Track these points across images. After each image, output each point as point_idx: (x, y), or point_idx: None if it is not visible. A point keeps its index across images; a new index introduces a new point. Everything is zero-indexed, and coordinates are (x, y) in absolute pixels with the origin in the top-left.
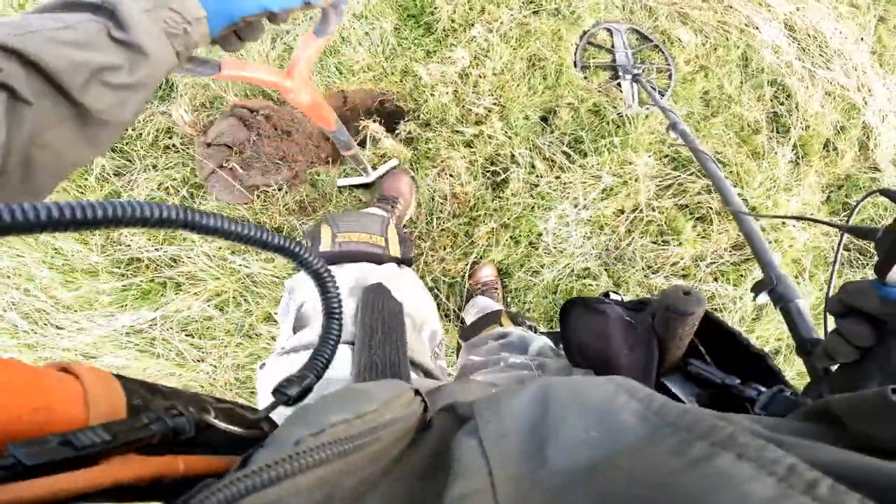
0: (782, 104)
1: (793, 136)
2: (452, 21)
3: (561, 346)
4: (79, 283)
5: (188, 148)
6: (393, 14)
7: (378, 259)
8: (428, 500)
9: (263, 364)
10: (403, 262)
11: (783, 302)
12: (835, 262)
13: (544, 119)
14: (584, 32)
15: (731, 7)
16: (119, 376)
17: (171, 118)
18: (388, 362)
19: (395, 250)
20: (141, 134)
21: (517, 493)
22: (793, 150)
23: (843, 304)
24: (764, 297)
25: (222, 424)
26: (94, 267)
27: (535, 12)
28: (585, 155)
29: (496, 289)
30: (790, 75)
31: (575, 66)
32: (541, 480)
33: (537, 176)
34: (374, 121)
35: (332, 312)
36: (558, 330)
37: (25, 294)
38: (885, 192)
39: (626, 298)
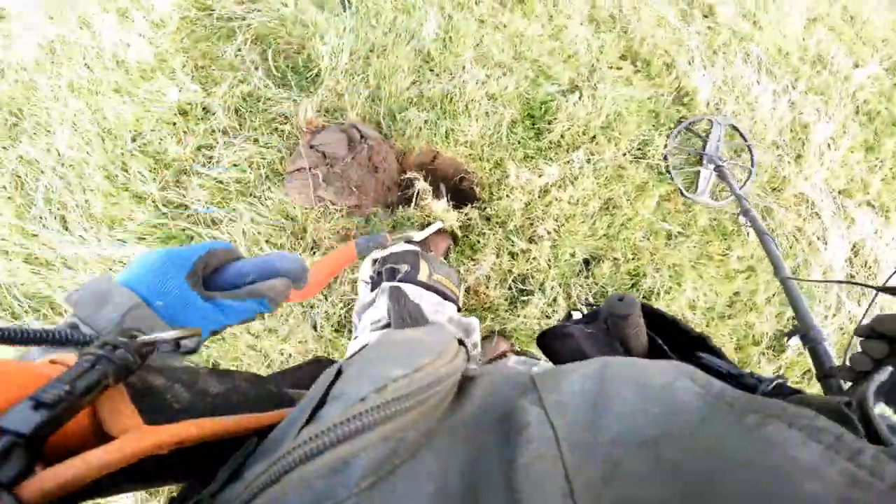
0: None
1: None
2: (562, 137)
3: None
4: (118, 201)
5: (291, 139)
6: (518, 107)
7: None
8: (487, 458)
9: (356, 337)
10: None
11: (812, 343)
12: (864, 314)
13: (587, 262)
14: (685, 119)
15: (816, 215)
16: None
17: (296, 109)
18: None
19: (462, 301)
20: (267, 109)
21: (581, 461)
22: None
23: (872, 329)
24: (795, 340)
25: (155, 335)
26: (144, 194)
27: (637, 159)
28: None
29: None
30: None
31: (666, 149)
32: (602, 450)
33: (553, 311)
34: (440, 192)
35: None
36: None
37: (66, 185)
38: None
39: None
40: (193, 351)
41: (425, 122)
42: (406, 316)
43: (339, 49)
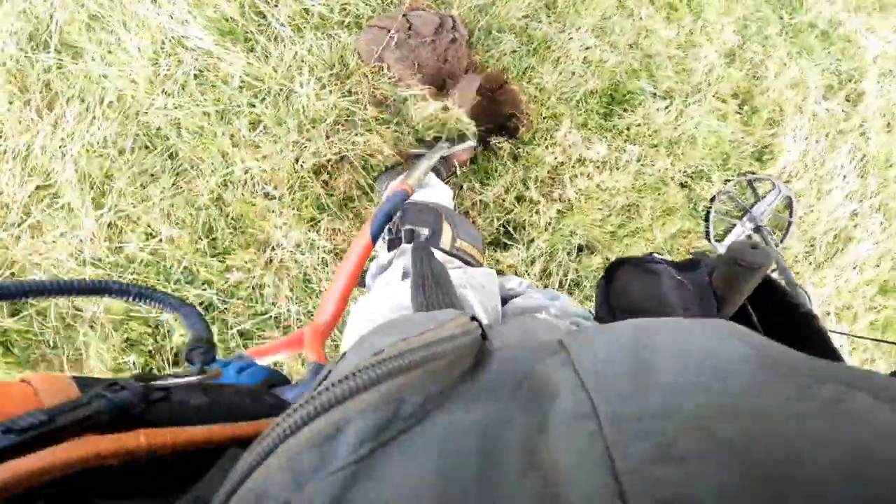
0: None
1: None
2: (628, 129)
3: (594, 309)
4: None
5: (390, 6)
6: (604, 83)
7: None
8: (508, 424)
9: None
10: None
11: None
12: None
13: (580, 248)
14: (752, 173)
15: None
16: (75, 377)
17: None
18: (441, 303)
19: (484, 264)
20: None
21: (624, 437)
22: None
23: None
24: None
25: (172, 381)
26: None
27: (683, 185)
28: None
29: None
30: None
31: (718, 191)
32: (648, 426)
33: (526, 272)
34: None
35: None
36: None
37: None
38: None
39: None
40: (220, 387)
41: (514, 50)
42: (428, 275)
43: None
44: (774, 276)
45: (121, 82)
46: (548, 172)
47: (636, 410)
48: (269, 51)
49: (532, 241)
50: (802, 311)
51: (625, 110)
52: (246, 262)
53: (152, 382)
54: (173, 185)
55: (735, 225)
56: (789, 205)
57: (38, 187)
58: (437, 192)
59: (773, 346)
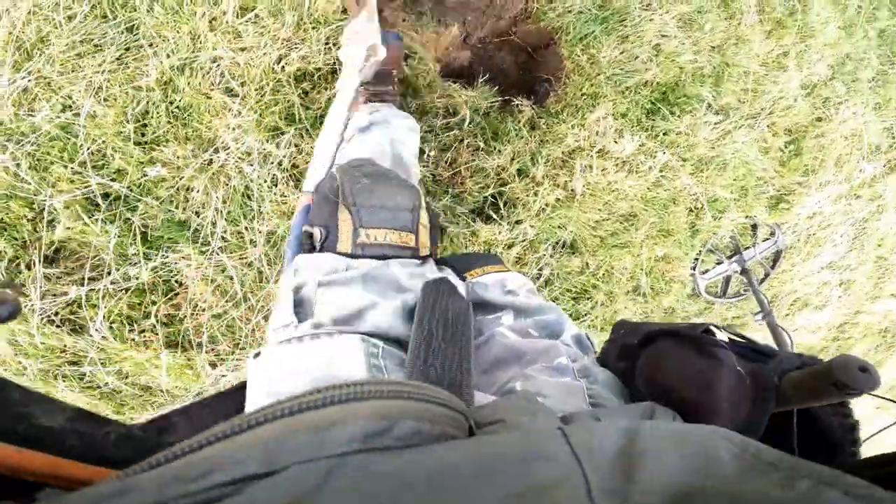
0: None
1: None
2: (665, 133)
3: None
4: None
5: None
6: (665, 77)
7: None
8: (502, 476)
9: (258, 353)
10: (430, 255)
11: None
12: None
13: (564, 244)
14: (755, 217)
15: None
16: None
17: None
18: (448, 379)
19: (423, 244)
20: None
21: (609, 500)
22: None
23: None
24: None
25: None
26: None
27: (693, 209)
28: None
29: None
30: None
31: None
32: (633, 498)
33: (502, 253)
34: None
35: None
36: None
37: None
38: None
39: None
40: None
41: (581, 12)
42: (437, 328)
43: None
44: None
45: None
46: (562, 154)
47: (624, 486)
48: None
49: (519, 222)
50: (844, 409)
51: (672, 113)
52: (177, 158)
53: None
54: (118, 59)
55: (723, 262)
56: (777, 257)
57: None
58: (383, 134)
59: (752, 444)
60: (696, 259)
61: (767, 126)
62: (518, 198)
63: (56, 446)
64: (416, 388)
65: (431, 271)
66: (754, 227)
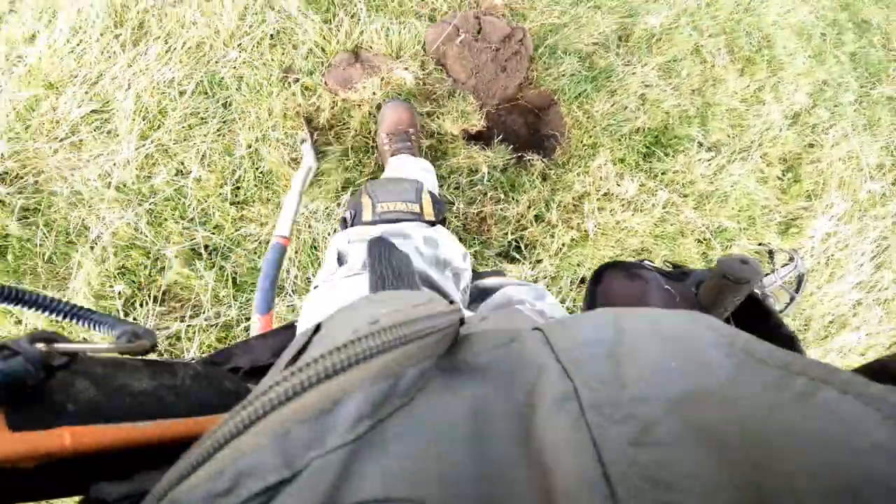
0: None
1: None
2: (663, 173)
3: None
4: None
5: (468, 9)
6: (654, 123)
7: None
8: (495, 405)
9: (317, 286)
10: (437, 222)
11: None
12: None
13: (583, 280)
14: (769, 244)
15: None
16: None
17: None
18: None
19: (428, 213)
20: None
21: (605, 421)
22: None
23: None
24: None
25: (86, 345)
26: None
27: (702, 240)
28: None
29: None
30: None
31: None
32: (627, 409)
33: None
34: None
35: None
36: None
37: None
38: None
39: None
40: (145, 353)
41: (573, 74)
42: (387, 273)
43: None
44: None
45: (206, 31)
46: (572, 199)
47: (614, 395)
48: (342, 24)
49: (540, 261)
50: (784, 332)
51: (666, 154)
52: (261, 216)
53: (55, 345)
54: (217, 131)
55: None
56: (800, 281)
57: (93, 111)
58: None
59: (740, 335)
60: None
61: (760, 157)
62: (537, 240)
63: (158, 408)
64: (415, 315)
65: (436, 232)
66: (770, 253)
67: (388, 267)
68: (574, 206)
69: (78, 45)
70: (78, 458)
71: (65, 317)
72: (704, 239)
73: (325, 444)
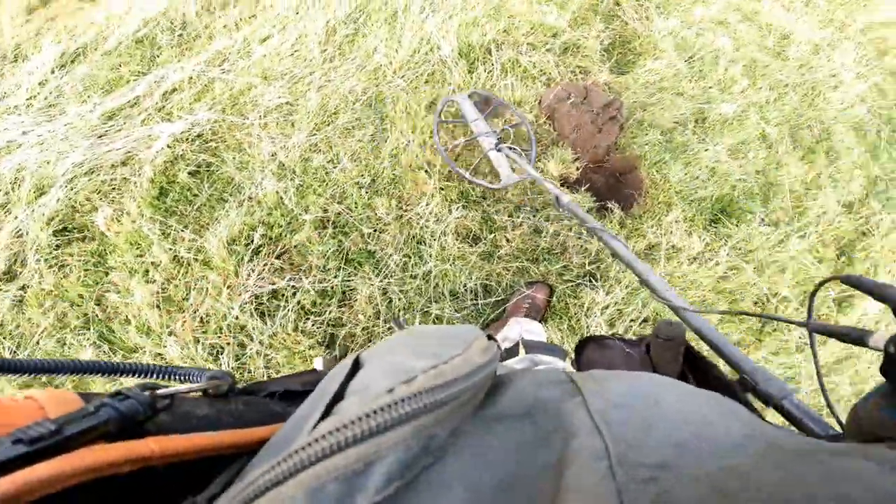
0: None
1: None
2: (727, 239)
3: None
4: None
5: (580, 80)
6: (720, 192)
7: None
8: (525, 461)
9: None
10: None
11: (775, 400)
12: (816, 363)
13: (645, 320)
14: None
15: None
16: (80, 392)
17: (599, 73)
18: None
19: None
20: (582, 55)
21: (630, 479)
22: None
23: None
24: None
25: (182, 386)
26: None
27: (757, 302)
28: None
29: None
30: None
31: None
32: (650, 471)
33: (599, 311)
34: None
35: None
36: None
37: None
38: (846, 280)
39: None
40: (225, 395)
41: (655, 144)
42: None
43: (657, 71)
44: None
45: (384, 59)
46: (644, 247)
47: (641, 457)
48: (480, 76)
49: (610, 291)
50: (715, 373)
51: (731, 222)
52: (386, 209)
53: (157, 391)
54: (371, 136)
55: (487, 155)
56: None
57: (287, 102)
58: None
59: (763, 425)
60: (487, 188)
61: (816, 238)
62: (610, 273)
63: (219, 427)
64: (452, 376)
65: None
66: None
67: None
68: (645, 253)
69: (297, 51)
70: (159, 471)
71: (160, 376)
72: (761, 301)
73: (354, 503)
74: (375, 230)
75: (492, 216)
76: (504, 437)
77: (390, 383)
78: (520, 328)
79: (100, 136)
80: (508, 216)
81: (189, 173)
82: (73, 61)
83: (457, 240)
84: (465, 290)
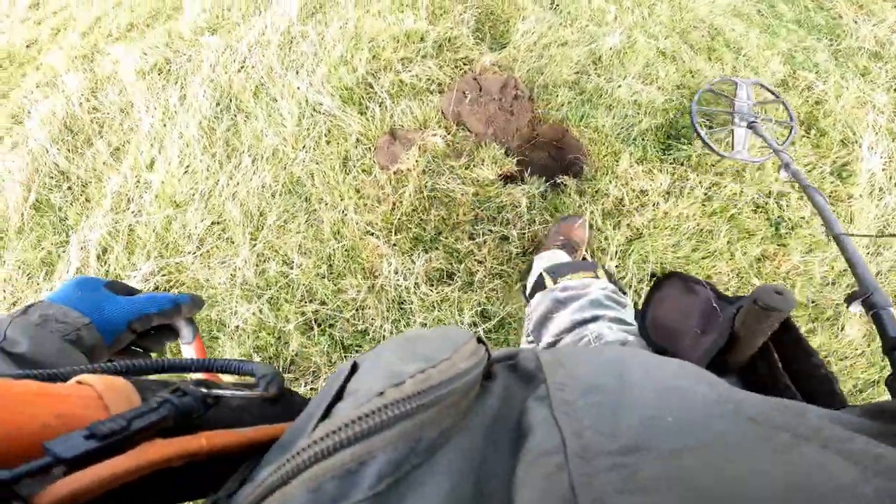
0: None
1: None
2: (689, 158)
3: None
4: (338, 67)
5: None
6: (658, 121)
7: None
8: (496, 461)
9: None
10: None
11: (876, 309)
12: None
13: (653, 275)
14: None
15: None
16: (128, 377)
17: (479, 57)
18: None
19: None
20: (459, 50)
21: (590, 469)
22: None
23: None
24: (857, 307)
25: (230, 391)
26: (354, 70)
27: (758, 208)
28: None
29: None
30: None
31: (690, 115)
32: (615, 458)
33: None
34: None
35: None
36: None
37: (317, 49)
38: None
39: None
40: (275, 400)
41: (569, 101)
42: None
43: (532, 31)
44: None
45: (276, 139)
46: (612, 204)
47: (606, 443)
48: (375, 113)
49: (602, 265)
50: (822, 372)
51: (682, 143)
52: (353, 286)
53: (211, 391)
54: (306, 221)
55: (732, 131)
56: (761, 87)
57: (213, 223)
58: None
59: (734, 393)
60: (701, 138)
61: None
62: (594, 246)
63: (252, 419)
64: (438, 379)
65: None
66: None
67: None
68: (617, 210)
69: (188, 166)
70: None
71: (220, 371)
72: (761, 205)
73: (349, 498)
74: (356, 310)
75: (454, 247)
76: (484, 439)
77: (381, 386)
78: (539, 264)
79: None
80: (470, 239)
81: None
82: None
83: (432, 286)
84: (464, 324)
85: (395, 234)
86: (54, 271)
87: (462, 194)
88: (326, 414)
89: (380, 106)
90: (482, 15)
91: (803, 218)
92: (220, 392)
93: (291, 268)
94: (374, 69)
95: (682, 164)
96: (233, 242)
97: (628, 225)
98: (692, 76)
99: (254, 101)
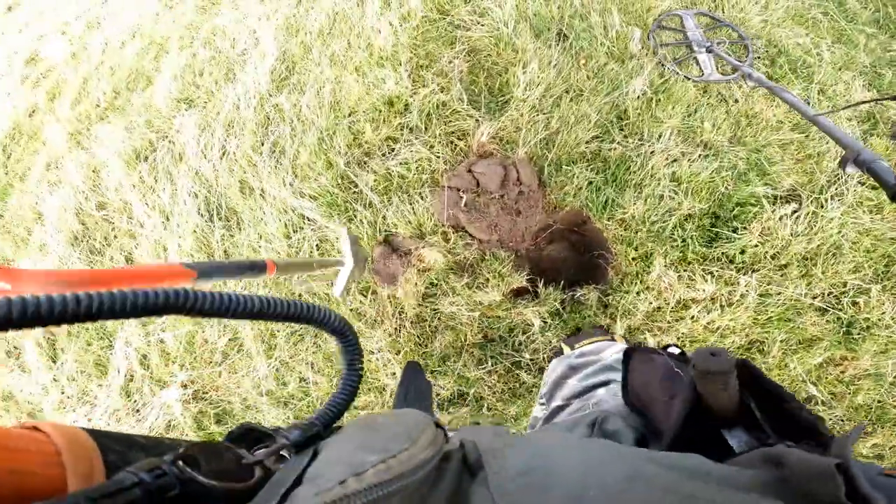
0: None
1: None
2: (741, 252)
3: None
4: (316, 161)
5: (459, 156)
6: (702, 201)
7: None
8: None
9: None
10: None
11: (868, 164)
12: None
13: None
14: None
15: None
16: (89, 431)
17: (475, 130)
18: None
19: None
20: (452, 121)
21: None
22: None
23: None
24: (852, 168)
25: (208, 482)
26: (334, 163)
27: (823, 310)
28: None
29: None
30: None
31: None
32: None
33: None
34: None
35: (352, 365)
36: None
37: (291, 134)
38: None
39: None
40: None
41: (589, 182)
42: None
43: (537, 82)
44: None
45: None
46: (643, 319)
47: None
48: (365, 218)
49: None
50: (804, 416)
51: (734, 230)
52: (357, 405)
53: (190, 474)
54: (314, 343)
55: (696, 59)
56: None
57: (230, 339)
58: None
59: (647, 467)
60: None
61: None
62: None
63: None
64: (399, 470)
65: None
66: (660, 27)
67: (412, 389)
68: (647, 327)
69: None
70: None
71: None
72: (827, 308)
73: None
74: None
75: (463, 374)
76: None
77: (342, 475)
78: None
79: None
80: (478, 366)
81: (216, 422)
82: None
83: (440, 408)
84: None
85: (399, 354)
86: (107, 372)
87: (468, 319)
88: (284, 499)
89: (368, 207)
90: (474, 66)
91: (884, 314)
92: (200, 480)
93: (307, 384)
94: (357, 159)
95: (731, 262)
96: (251, 356)
97: (658, 344)
98: (749, 123)
99: (242, 199)
